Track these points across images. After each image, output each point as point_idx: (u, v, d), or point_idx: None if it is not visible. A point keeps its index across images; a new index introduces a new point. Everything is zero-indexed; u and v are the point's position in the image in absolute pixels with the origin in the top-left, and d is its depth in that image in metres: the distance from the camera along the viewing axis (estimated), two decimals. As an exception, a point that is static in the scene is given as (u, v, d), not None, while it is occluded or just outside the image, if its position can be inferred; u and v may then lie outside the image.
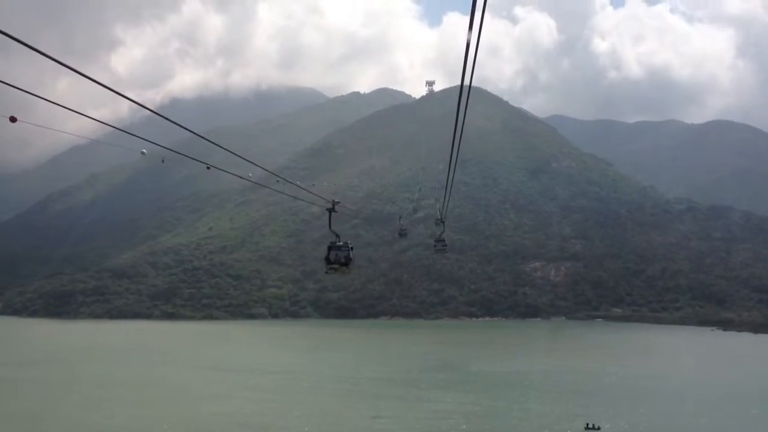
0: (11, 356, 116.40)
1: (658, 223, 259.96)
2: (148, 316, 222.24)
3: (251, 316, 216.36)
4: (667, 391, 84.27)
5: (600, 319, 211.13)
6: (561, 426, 64.47)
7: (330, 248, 33.15)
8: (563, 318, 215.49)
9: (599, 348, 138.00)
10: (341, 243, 33.19)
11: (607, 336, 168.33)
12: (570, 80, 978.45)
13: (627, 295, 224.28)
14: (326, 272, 33.70)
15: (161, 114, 17.88)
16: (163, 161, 26.98)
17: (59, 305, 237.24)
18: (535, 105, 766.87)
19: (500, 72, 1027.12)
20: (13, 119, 17.24)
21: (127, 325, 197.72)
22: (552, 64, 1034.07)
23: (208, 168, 28.72)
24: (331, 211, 31.49)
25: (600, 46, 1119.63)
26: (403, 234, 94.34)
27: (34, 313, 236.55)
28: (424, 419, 67.25)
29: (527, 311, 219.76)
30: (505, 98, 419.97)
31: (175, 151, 24.45)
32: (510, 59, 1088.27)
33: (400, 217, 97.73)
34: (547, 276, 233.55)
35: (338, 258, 33.18)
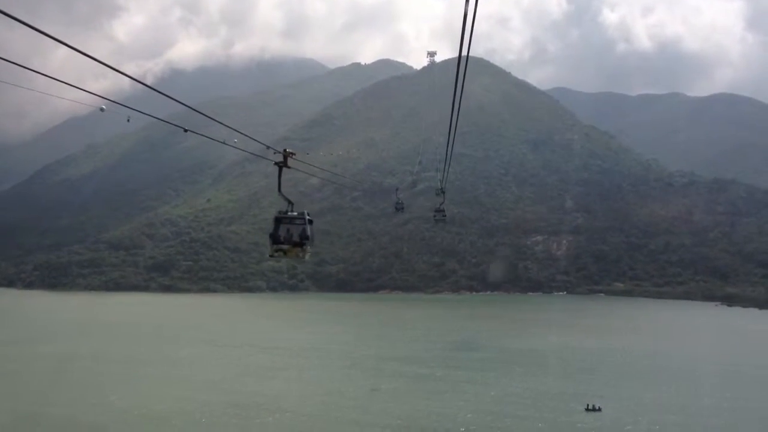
0: (17, 333, 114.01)
1: (661, 197, 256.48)
2: (145, 288, 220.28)
3: (249, 289, 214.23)
4: (671, 370, 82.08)
5: (602, 294, 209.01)
6: (560, 406, 62.13)
7: (278, 221, 25.50)
8: (564, 292, 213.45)
9: (601, 324, 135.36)
10: (295, 213, 25.49)
11: (610, 311, 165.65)
12: (578, 52, 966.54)
13: (629, 270, 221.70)
14: (271, 255, 25.60)
15: (159, 90, 18.57)
16: (186, 131, 23.91)
17: (55, 277, 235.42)
18: (543, 77, 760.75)
19: (508, 43, 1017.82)
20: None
21: (125, 298, 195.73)
22: (560, 36, 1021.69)
23: (185, 131, 25.78)
24: (281, 166, 23.83)
25: (609, 17, 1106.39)
26: (399, 208, 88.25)
27: (29, 285, 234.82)
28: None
29: (529, 286, 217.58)
30: (513, 70, 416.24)
31: (172, 124, 25.08)
32: (518, 30, 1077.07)
33: (396, 189, 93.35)
34: (548, 250, 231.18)
35: (290, 235, 25.46)
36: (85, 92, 18.01)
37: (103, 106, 32.18)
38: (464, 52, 14.63)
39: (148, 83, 22.38)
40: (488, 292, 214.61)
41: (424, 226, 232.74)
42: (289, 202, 25.18)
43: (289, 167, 24.01)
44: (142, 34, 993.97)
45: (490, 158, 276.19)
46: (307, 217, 25.47)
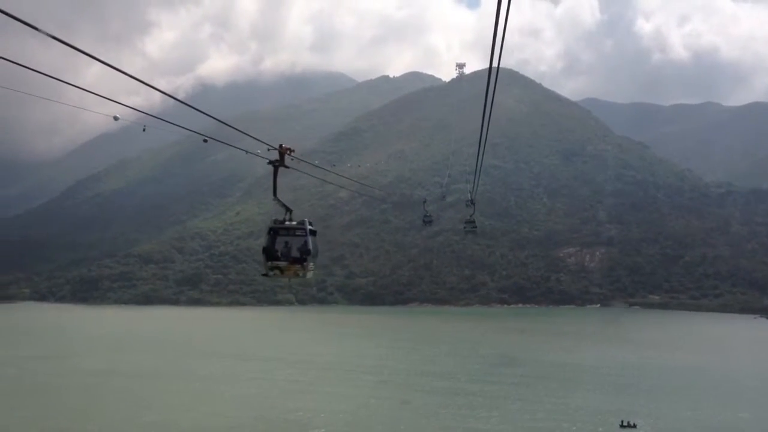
0: (50, 347, 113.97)
1: (697, 208, 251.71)
2: (175, 302, 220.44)
3: (278, 303, 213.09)
4: (710, 385, 79.30)
5: (637, 307, 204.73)
6: (595, 422, 59.85)
7: (273, 232, 22.38)
8: (598, 305, 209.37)
9: (638, 337, 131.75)
10: (294, 222, 22.40)
11: (646, 324, 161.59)
12: (612, 62, 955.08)
13: (665, 282, 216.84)
14: (264, 274, 22.49)
15: (189, 104, 19.10)
16: (205, 141, 22.84)
17: (87, 291, 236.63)
18: (576, 87, 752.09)
19: (540, 54, 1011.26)
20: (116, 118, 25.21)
21: (155, 312, 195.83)
22: (594, 46, 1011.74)
23: (205, 141, 26.00)
24: (277, 165, 21.00)
25: (644, 26, 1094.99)
26: (428, 221, 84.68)
27: (61, 299, 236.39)
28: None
29: (561, 298, 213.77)
30: (545, 81, 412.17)
31: (204, 135, 24.46)
32: (551, 41, 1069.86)
33: (424, 202, 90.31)
34: (581, 262, 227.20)
35: (288, 249, 22.25)
36: (117, 108, 19.39)
37: (144, 126, 30.86)
38: (495, 64, 14.58)
39: (179, 99, 21.55)
40: (520, 305, 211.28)
41: (453, 239, 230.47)
42: (287, 209, 22.50)
43: (286, 167, 21.51)
44: (173, 51, 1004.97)
45: (521, 170, 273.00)
46: (309, 227, 22.46)
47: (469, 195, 79.93)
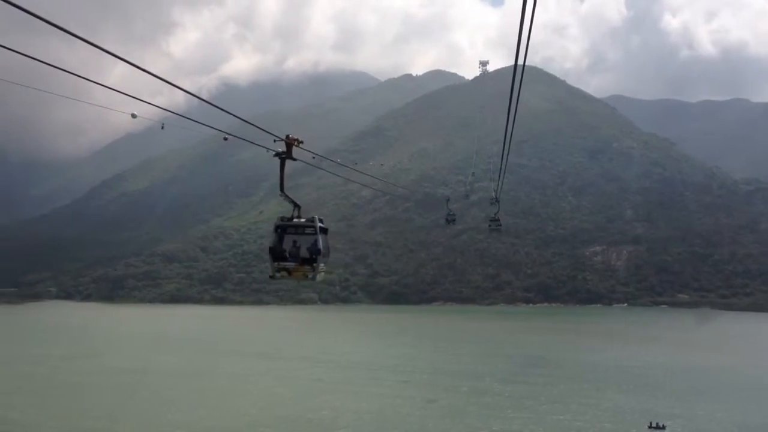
0: (76, 346, 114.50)
1: (726, 205, 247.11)
2: (199, 301, 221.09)
3: (301, 302, 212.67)
4: (742, 386, 77.27)
5: (665, 306, 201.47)
6: (623, 424, 58.55)
7: (281, 230, 21.06)
8: (625, 304, 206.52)
9: (667, 336, 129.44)
10: (303, 220, 20.92)
11: (675, 323, 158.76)
12: (639, 59, 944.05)
13: (693, 281, 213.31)
14: (271, 276, 20.98)
15: (212, 103, 19.10)
16: (225, 139, 22.05)
17: (112, 289, 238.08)
18: (602, 85, 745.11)
19: (566, 51, 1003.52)
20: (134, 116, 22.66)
21: (179, 310, 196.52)
22: (620, 43, 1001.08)
23: (225, 139, 24.91)
24: (284, 157, 19.59)
25: (671, 23, 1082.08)
26: (451, 220, 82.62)
27: (87, 298, 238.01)
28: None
29: (587, 297, 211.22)
30: (571, 78, 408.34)
31: (226, 133, 23.81)
32: (576, 38, 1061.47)
33: (447, 200, 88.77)
34: (607, 260, 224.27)
35: (296, 249, 20.74)
36: (141, 108, 19.16)
37: (163, 123, 30.40)
38: (520, 61, 14.48)
39: (202, 98, 21.22)
40: (545, 304, 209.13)
41: (478, 237, 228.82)
42: (296, 205, 20.98)
43: (294, 159, 19.81)
44: (196, 51, 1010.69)
45: (546, 167, 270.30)
46: (319, 225, 20.93)
47: (493, 193, 78.81)
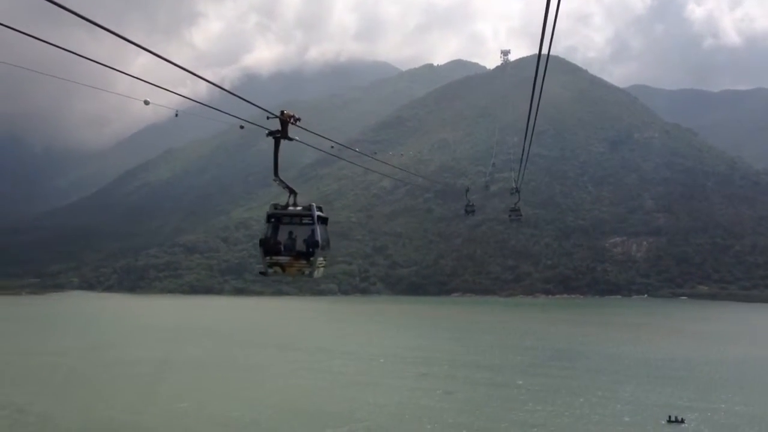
0: (89, 337, 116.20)
1: (748, 196, 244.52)
2: (219, 291, 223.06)
3: (320, 293, 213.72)
4: (762, 379, 76.74)
5: (685, 297, 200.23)
6: (641, 417, 58.80)
7: (274, 220, 19.43)
8: (645, 296, 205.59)
9: (688, 328, 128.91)
10: (299, 208, 19.38)
11: (696, 315, 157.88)
12: (663, 48, 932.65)
13: (714, 272, 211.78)
14: (263, 273, 19.24)
15: (233, 93, 19.11)
16: (242, 127, 22.29)
17: (133, 280, 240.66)
18: (626, 74, 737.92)
19: (589, 40, 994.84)
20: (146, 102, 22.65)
21: (200, 301, 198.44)
22: (644, 32, 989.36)
23: (241, 127, 25.76)
24: (278, 137, 18.16)
25: (695, 11, 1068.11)
26: (470, 210, 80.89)
27: (108, 288, 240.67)
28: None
29: (607, 288, 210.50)
30: (594, 67, 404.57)
31: (246, 121, 24.32)
32: (600, 27, 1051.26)
33: (467, 190, 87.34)
34: (628, 251, 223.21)
35: (292, 241, 19.16)
36: (167, 96, 18.96)
37: (177, 111, 30.82)
38: (544, 51, 14.28)
39: (224, 88, 21.54)
40: (564, 296, 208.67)
41: (497, 228, 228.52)
42: (291, 191, 19.28)
43: (290, 139, 18.15)
44: (219, 41, 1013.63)
45: (566, 158, 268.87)
46: (317, 214, 19.07)
47: (513, 183, 78.75)
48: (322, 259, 19.33)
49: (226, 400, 65.24)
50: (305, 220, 19.08)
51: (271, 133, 18.00)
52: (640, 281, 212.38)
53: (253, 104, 19.13)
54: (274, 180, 18.77)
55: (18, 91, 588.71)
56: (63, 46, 14.13)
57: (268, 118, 17.82)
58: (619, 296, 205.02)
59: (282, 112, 17.80)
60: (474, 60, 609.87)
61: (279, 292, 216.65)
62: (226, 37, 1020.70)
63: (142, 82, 16.90)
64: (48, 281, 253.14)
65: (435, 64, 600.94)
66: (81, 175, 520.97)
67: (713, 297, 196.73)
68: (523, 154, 33.71)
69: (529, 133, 24.30)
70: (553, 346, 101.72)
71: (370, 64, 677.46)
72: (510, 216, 63.25)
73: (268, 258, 18.94)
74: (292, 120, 17.83)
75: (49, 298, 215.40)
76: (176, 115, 33.56)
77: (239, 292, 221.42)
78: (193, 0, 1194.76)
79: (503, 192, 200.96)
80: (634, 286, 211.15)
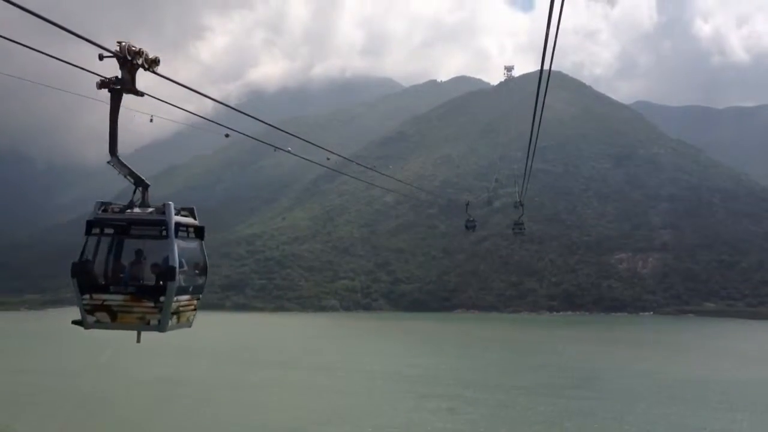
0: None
1: (754, 212, 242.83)
2: (220, 307, 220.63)
3: (323, 309, 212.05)
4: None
5: (691, 315, 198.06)
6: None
7: (98, 229, 13.15)
8: (651, 313, 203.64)
9: (698, 345, 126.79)
10: (147, 211, 13.08)
11: (704, 332, 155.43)
12: (670, 64, 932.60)
13: (721, 289, 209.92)
14: (76, 323, 13.27)
15: (238, 109, 18.55)
16: (227, 136, 22.62)
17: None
18: (632, 91, 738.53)
19: (596, 57, 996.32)
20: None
21: (200, 316, 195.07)
22: (651, 48, 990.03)
23: (227, 136, 23.26)
24: (117, 88, 11.79)
25: (703, 28, 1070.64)
26: (471, 226, 76.80)
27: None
28: None
29: (612, 305, 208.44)
30: (601, 84, 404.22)
31: (255, 139, 22.75)
32: (607, 43, 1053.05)
33: (467, 204, 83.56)
34: (633, 268, 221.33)
35: (132, 269, 13.11)
36: (168, 112, 17.74)
37: (152, 116, 28.05)
38: (546, 66, 14.25)
39: (230, 105, 20.47)
40: (569, 312, 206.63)
41: (501, 244, 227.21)
42: (138, 183, 13.24)
43: (139, 93, 12.03)
44: (225, 56, 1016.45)
45: (570, 174, 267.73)
46: (177, 219, 13.04)
47: (517, 197, 77.26)
48: (187, 297, 13.38)
49: (227, 422, 63.35)
50: (154, 231, 12.72)
51: (106, 84, 11.68)
52: (646, 298, 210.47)
53: (254, 118, 18.18)
54: (110, 161, 12.61)
55: (20, 106, 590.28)
56: (66, 60, 12.43)
57: (101, 57, 11.16)
58: (625, 313, 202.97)
59: (120, 44, 11.19)
60: (478, 76, 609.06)
61: (281, 308, 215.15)
62: (233, 51, 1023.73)
63: (148, 97, 15.12)
64: (48, 297, 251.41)
65: (439, 80, 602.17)
66: (83, 192, 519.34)
67: (720, 314, 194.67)
68: (526, 169, 33.14)
69: (532, 148, 23.92)
70: (559, 364, 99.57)
71: (374, 80, 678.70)
72: (514, 230, 62.69)
73: (86, 297, 12.70)
74: (142, 61, 11.40)
75: (47, 314, 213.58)
76: (151, 120, 29.90)
77: (240, 307, 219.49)
78: (199, 13, 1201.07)
79: (507, 207, 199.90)
80: (640, 303, 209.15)
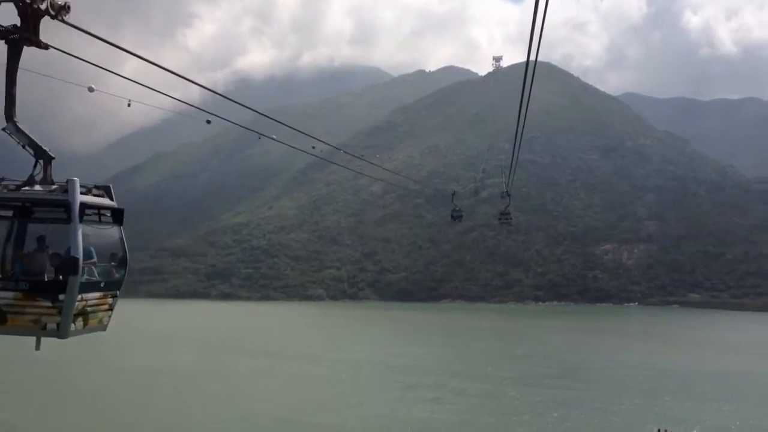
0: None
1: (739, 204, 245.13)
2: (206, 296, 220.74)
3: (309, 298, 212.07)
4: (758, 390, 75.00)
5: (676, 306, 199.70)
6: (629, 430, 56.92)
7: None
8: (636, 303, 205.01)
9: (683, 337, 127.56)
10: (48, 189, 10.92)
11: (689, 323, 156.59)
12: (659, 56, 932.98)
13: (706, 280, 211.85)
14: None
15: (226, 96, 18.57)
16: (209, 122, 20.26)
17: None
18: (621, 83, 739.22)
19: (585, 48, 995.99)
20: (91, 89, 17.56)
21: (186, 306, 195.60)
22: (640, 40, 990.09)
23: (208, 122, 22.60)
24: (16, 39, 9.80)
25: (692, 20, 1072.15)
26: (457, 216, 75.43)
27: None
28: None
29: (597, 296, 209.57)
30: (590, 75, 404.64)
31: (244, 127, 23.29)
32: (596, 35, 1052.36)
33: (453, 194, 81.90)
34: (619, 259, 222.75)
35: (32, 259, 11.02)
36: (156, 100, 18.09)
37: (129, 101, 26.54)
38: (532, 57, 14.43)
39: (217, 92, 20.25)
40: (555, 303, 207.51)
41: (488, 234, 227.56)
42: (40, 157, 11.22)
43: (43, 46, 10.18)
44: (213, 44, 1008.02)
45: (557, 164, 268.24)
46: (83, 199, 10.93)
47: (504, 187, 76.58)
48: (98, 295, 11.41)
49: (214, 412, 62.87)
50: (56, 214, 10.75)
51: (4, 36, 9.86)
52: (631, 289, 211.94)
53: (244, 105, 18.03)
54: (4, 129, 10.74)
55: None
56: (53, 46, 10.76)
57: None
58: (611, 304, 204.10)
59: None
60: (467, 66, 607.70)
61: (267, 297, 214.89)
62: (220, 39, 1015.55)
63: (135, 85, 15.60)
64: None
65: (427, 70, 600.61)
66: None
67: (704, 305, 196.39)
68: (513, 158, 33.20)
69: (518, 138, 23.75)
70: (545, 354, 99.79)
71: (362, 69, 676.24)
72: (500, 219, 62.16)
73: None
74: (47, 5, 9.60)
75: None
76: (128, 105, 28.49)
77: (226, 296, 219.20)
78: (187, 0, 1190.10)
79: (494, 198, 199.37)
80: (625, 293, 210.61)
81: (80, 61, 13.09)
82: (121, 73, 15.12)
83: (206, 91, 19.07)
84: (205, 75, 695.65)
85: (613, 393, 72.12)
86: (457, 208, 73.96)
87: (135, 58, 13.53)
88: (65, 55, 12.55)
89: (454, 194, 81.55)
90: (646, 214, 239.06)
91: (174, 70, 14.18)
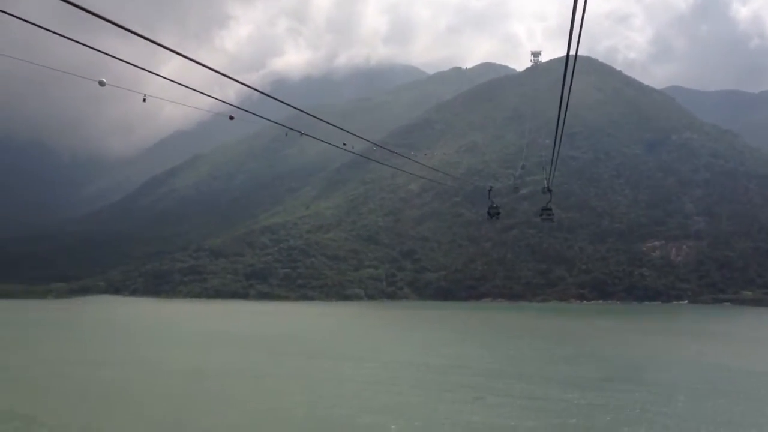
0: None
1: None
2: (244, 296, 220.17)
3: (347, 297, 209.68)
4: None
5: (728, 303, 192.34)
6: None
7: None
8: (685, 301, 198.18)
9: (741, 335, 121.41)
10: None
11: (744, 321, 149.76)
12: (707, 48, 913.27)
13: (758, 277, 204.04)
14: None
15: (266, 93, 18.53)
16: (231, 118, 23.28)
17: (158, 284, 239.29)
18: (667, 75, 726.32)
19: (630, 41, 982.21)
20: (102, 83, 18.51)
21: (225, 306, 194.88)
22: (687, 32, 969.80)
23: (231, 118, 23.05)
24: None
25: (740, 11, 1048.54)
26: (494, 213, 70.17)
27: (134, 292, 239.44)
28: None
29: (645, 294, 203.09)
30: (635, 69, 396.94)
31: (281, 124, 23.28)
32: (641, 28, 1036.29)
33: (490, 189, 76.28)
34: (666, 256, 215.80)
35: None
36: (196, 101, 18.93)
37: (144, 96, 25.52)
38: (572, 50, 14.19)
39: (254, 95, 17.89)
40: (600, 301, 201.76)
41: (528, 232, 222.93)
42: None
43: None
44: (248, 45, 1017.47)
45: (601, 160, 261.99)
46: None
47: (545, 182, 72.25)
48: None
49: (250, 412, 60.13)
50: None
51: None
52: (680, 287, 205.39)
53: (285, 102, 18.56)
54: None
55: (45, 97, 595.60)
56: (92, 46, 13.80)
57: None
58: (659, 302, 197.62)
59: None
60: (505, 63, 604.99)
61: (304, 297, 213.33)
62: (256, 40, 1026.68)
63: (172, 87, 16.65)
64: (75, 285, 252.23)
65: (464, 67, 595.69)
66: (108, 183, 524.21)
67: (758, 302, 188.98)
68: (553, 153, 31.21)
69: (559, 133, 23.22)
70: (593, 354, 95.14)
71: (398, 67, 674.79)
72: (542, 216, 57.81)
73: None
74: None
75: (74, 302, 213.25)
76: (143, 99, 25.92)
77: (264, 296, 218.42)
78: (223, 2, 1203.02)
79: (534, 195, 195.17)
80: (674, 291, 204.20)
81: (119, 62, 14.86)
82: (158, 78, 16.60)
83: (242, 93, 17.18)
84: (241, 76, 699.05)
85: (669, 395, 67.40)
86: (494, 205, 69.83)
87: (171, 62, 11.71)
88: (100, 59, 14.33)
89: (490, 190, 77.31)
90: (694, 210, 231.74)
91: (216, 68, 15.54)
